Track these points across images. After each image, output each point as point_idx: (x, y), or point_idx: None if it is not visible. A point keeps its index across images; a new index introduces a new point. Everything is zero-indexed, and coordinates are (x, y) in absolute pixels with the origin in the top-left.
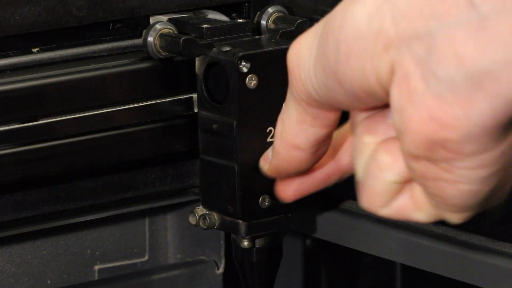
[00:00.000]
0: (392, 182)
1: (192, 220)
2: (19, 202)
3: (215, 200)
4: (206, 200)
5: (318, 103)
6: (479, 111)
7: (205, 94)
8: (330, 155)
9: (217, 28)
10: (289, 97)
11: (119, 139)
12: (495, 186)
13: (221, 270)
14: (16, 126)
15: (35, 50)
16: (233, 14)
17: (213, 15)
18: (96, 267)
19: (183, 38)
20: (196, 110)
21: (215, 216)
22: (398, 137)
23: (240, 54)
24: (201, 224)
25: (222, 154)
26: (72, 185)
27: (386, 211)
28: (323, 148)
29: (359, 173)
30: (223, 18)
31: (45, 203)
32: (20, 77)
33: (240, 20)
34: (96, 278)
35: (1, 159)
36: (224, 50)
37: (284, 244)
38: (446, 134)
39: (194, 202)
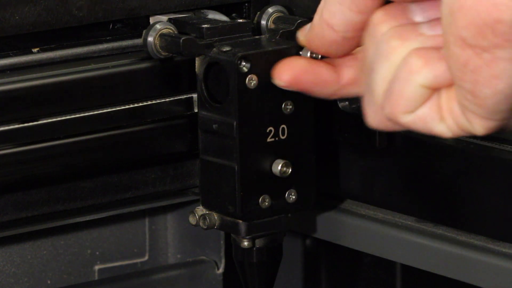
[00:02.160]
0: (422, 85)
1: (192, 220)
2: (19, 202)
3: (215, 200)
4: (206, 200)
5: None
6: None
7: (205, 94)
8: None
9: (217, 28)
10: None
11: (119, 139)
12: None
13: (221, 270)
14: (16, 126)
15: (35, 50)
16: (233, 14)
17: (213, 15)
18: (96, 267)
19: (183, 38)
20: (196, 110)
21: (215, 216)
22: (446, 20)
23: (240, 54)
24: (201, 224)
25: (222, 154)
26: (72, 185)
27: (409, 118)
28: (354, 37)
29: (379, 81)
30: (223, 18)
31: (45, 203)
32: (20, 77)
33: (240, 20)
34: (96, 278)
35: (1, 159)
36: (224, 50)
37: (284, 244)
38: (500, 15)
39: (194, 202)
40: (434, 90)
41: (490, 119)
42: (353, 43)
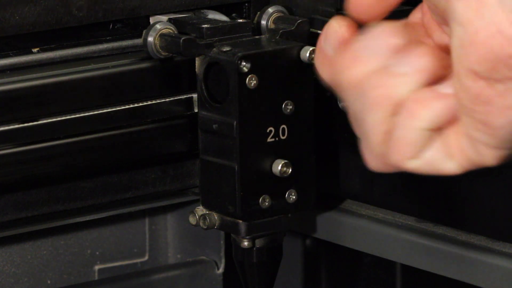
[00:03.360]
0: (425, 129)
1: (192, 220)
2: (19, 202)
3: (215, 200)
4: (206, 200)
5: None
6: None
7: (205, 94)
8: None
9: (217, 28)
10: None
11: (119, 139)
12: None
13: (221, 270)
14: (16, 126)
15: (35, 50)
16: (233, 14)
17: (213, 15)
18: (96, 267)
19: (183, 38)
20: (196, 110)
21: (215, 216)
22: (457, 53)
23: (240, 54)
24: (201, 224)
25: (222, 154)
26: (72, 185)
27: (416, 163)
28: None
29: (374, 131)
30: (223, 18)
31: (45, 203)
32: (20, 77)
33: (240, 20)
34: (96, 278)
35: (1, 159)
36: (224, 50)
37: (284, 244)
38: None
39: (194, 202)
40: (437, 130)
41: (502, 148)
42: None
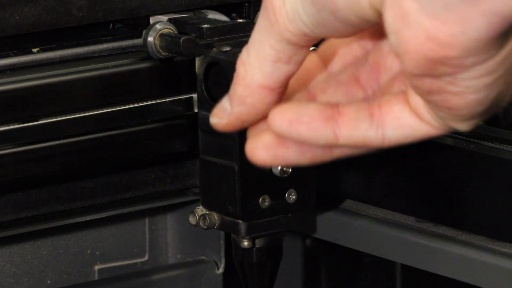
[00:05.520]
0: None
1: (192, 220)
2: (19, 202)
3: (215, 200)
4: (206, 200)
5: (308, 38)
6: (475, 27)
7: (205, 94)
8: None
9: (217, 28)
10: (262, 37)
11: (119, 139)
12: (501, 90)
13: (221, 270)
14: (16, 126)
15: (35, 50)
16: (233, 14)
17: (213, 15)
18: (96, 267)
19: (183, 38)
20: (196, 110)
21: (215, 216)
22: (398, 59)
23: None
24: (201, 224)
25: (222, 154)
26: (72, 185)
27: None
28: (286, 86)
29: None
30: (223, 18)
31: (45, 203)
32: (20, 77)
33: (240, 20)
34: (96, 278)
35: (1, 159)
36: (224, 50)
37: (284, 244)
38: (445, 52)
39: (194, 202)
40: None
41: (471, 120)
42: (282, 94)
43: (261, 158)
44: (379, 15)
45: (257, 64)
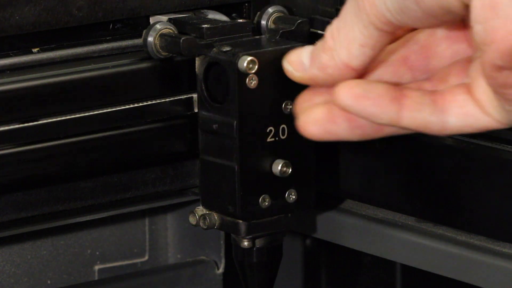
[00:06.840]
0: None
1: (192, 220)
2: (19, 202)
3: (215, 200)
4: (206, 200)
5: (392, 25)
6: None
7: (205, 94)
8: None
9: (217, 28)
10: (352, 20)
11: (119, 139)
12: None
13: (221, 270)
14: (16, 126)
15: (35, 50)
16: (233, 14)
17: (213, 15)
18: (96, 267)
19: (183, 38)
20: (196, 110)
21: (215, 216)
22: (479, 49)
23: (240, 54)
24: (201, 224)
25: (222, 154)
26: (72, 185)
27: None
28: (366, 68)
29: None
30: (223, 18)
31: (45, 203)
32: (20, 77)
33: (240, 20)
34: (96, 278)
35: (1, 159)
36: (224, 50)
37: (284, 244)
38: None
39: (194, 202)
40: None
41: None
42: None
43: (313, 133)
44: (464, 6)
45: (346, 44)
